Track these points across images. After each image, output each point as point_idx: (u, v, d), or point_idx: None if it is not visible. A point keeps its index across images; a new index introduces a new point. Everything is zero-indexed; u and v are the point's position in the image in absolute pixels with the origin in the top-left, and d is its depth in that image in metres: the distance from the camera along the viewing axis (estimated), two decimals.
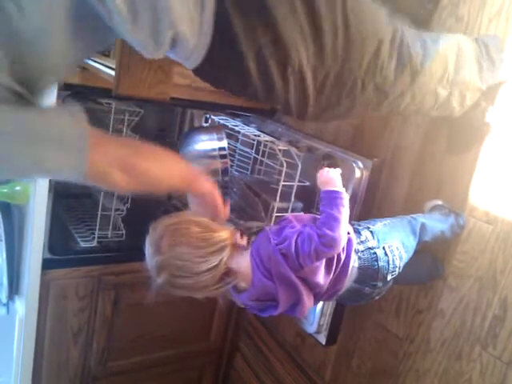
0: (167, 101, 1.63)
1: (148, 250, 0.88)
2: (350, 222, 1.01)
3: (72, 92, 1.43)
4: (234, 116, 1.77)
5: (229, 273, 0.89)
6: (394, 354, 1.50)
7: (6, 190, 1.49)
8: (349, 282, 1.00)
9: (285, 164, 1.36)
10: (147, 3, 0.67)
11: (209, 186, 0.96)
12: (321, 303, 1.45)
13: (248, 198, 1.53)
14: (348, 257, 0.97)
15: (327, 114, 0.98)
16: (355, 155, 1.39)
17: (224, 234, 0.89)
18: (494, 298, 1.24)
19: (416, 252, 1.13)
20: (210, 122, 1.74)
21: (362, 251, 1.01)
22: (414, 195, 1.45)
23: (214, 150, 1.54)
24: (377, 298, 1.08)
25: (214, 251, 0.86)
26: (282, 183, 1.36)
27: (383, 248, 1.03)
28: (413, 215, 1.20)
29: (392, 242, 1.05)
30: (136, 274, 1.76)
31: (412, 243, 1.11)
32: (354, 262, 0.99)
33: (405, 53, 0.97)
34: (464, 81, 1.12)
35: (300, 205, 1.47)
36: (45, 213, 1.46)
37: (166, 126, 2.10)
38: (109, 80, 1.24)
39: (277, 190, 1.37)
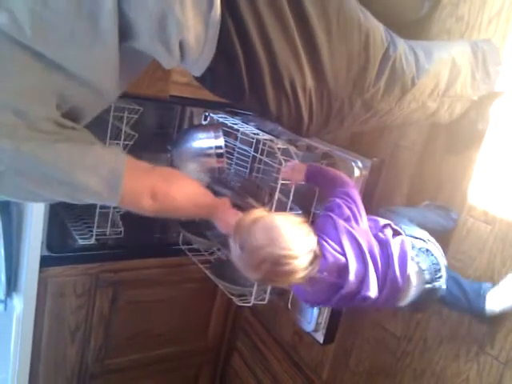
0: (166, 98, 1.63)
1: (244, 248, 0.92)
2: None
3: None
4: (233, 114, 1.76)
5: (316, 255, 0.95)
6: (391, 353, 1.50)
7: None
8: (417, 286, 1.05)
9: (283, 162, 1.36)
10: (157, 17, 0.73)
11: (232, 216, 1.04)
12: None
13: (248, 190, 1.53)
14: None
15: (324, 131, 1.01)
16: (354, 154, 1.39)
17: (303, 219, 0.98)
18: None
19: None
20: (209, 120, 1.74)
21: (417, 255, 1.07)
22: (412, 195, 1.45)
23: (211, 148, 1.54)
24: (443, 287, 1.10)
25: (306, 235, 0.94)
26: (280, 181, 1.35)
27: (428, 241, 1.11)
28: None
29: (425, 234, 1.13)
30: (134, 272, 1.76)
31: None
32: (413, 268, 1.05)
33: (398, 69, 0.97)
34: (455, 93, 1.12)
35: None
36: (43, 210, 1.46)
37: (165, 123, 2.09)
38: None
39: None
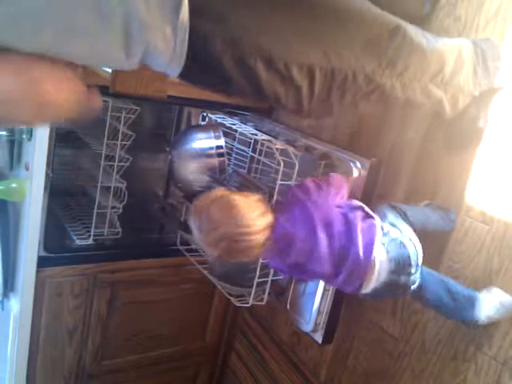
0: (164, 99, 1.63)
1: (201, 227, 0.97)
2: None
3: None
4: (231, 114, 1.76)
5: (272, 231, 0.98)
6: (389, 354, 1.50)
7: (1, 187, 1.48)
8: (381, 275, 1.04)
9: (282, 163, 1.35)
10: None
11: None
12: (317, 302, 1.45)
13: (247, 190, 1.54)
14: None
15: (326, 107, 0.98)
16: (353, 155, 1.39)
17: (260, 197, 1.01)
18: None
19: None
20: (207, 120, 1.74)
21: (388, 243, 1.06)
22: (411, 195, 1.45)
23: (212, 148, 1.54)
24: (412, 286, 1.09)
25: (262, 213, 0.97)
26: (279, 182, 1.35)
27: (406, 236, 1.09)
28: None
29: (409, 231, 1.11)
30: (132, 272, 1.75)
31: None
32: (381, 256, 1.03)
33: (405, 43, 0.97)
34: (458, 84, 1.12)
35: None
36: (40, 210, 1.46)
37: (162, 124, 2.09)
38: (106, 77, 1.23)
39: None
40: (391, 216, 1.15)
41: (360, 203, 1.11)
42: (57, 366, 1.74)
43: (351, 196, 1.34)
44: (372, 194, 1.40)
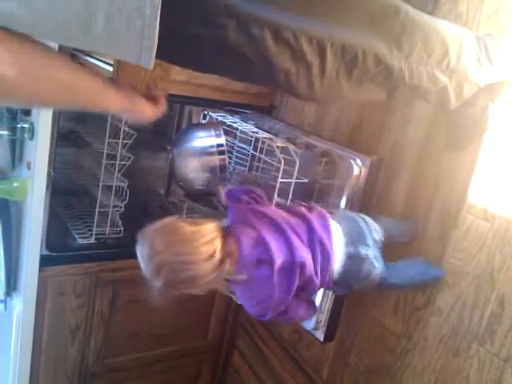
0: (165, 97, 1.63)
1: (143, 255, 0.92)
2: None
3: None
4: (232, 113, 1.77)
5: (224, 258, 0.93)
6: (391, 351, 1.50)
7: (3, 187, 1.48)
8: (340, 249, 1.06)
9: (282, 161, 1.35)
10: None
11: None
12: (319, 300, 1.45)
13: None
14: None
15: (336, 85, 0.96)
16: (354, 152, 1.39)
17: (212, 224, 0.95)
18: (492, 295, 1.25)
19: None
20: (208, 118, 1.74)
21: (342, 217, 1.11)
22: (412, 193, 1.45)
23: (212, 146, 1.54)
24: (373, 274, 1.10)
25: (208, 241, 0.91)
26: (279, 180, 1.35)
27: (361, 217, 1.13)
28: None
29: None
30: (134, 271, 1.73)
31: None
32: (337, 232, 1.06)
33: (408, 22, 0.97)
34: (464, 71, 1.11)
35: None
36: (42, 209, 1.46)
37: (164, 122, 2.09)
38: (107, 76, 1.24)
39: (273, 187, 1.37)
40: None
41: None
42: (59, 365, 1.74)
43: (354, 194, 1.36)
44: (373, 192, 1.40)
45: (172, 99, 1.62)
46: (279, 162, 1.36)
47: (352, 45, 0.90)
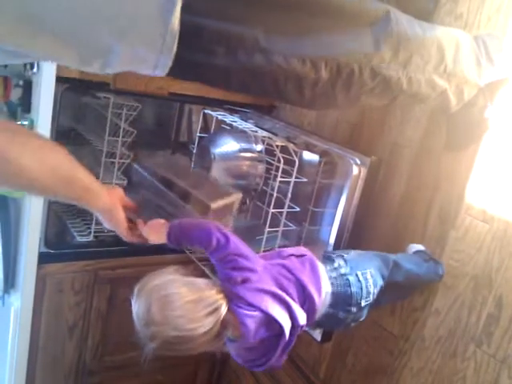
0: (165, 96, 1.63)
1: (138, 316, 0.87)
2: (325, 251, 1.10)
3: (70, 85, 1.43)
4: (232, 112, 1.77)
5: (223, 327, 0.87)
6: (388, 352, 1.50)
7: None
8: (324, 307, 1.03)
9: (282, 160, 1.36)
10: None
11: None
12: None
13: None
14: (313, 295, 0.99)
15: (331, 97, 0.97)
16: (353, 152, 1.39)
17: (214, 292, 0.88)
18: (489, 297, 1.25)
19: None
20: (207, 117, 1.73)
21: (335, 277, 1.05)
22: (411, 193, 1.45)
23: (255, 152, 1.52)
24: (353, 324, 1.10)
25: (209, 312, 0.84)
26: (279, 179, 1.35)
27: (356, 275, 1.07)
28: (388, 254, 1.23)
29: (365, 270, 1.09)
30: (132, 269, 1.76)
31: (384, 273, 1.14)
32: (327, 288, 1.02)
33: (401, 32, 0.96)
34: (462, 74, 1.11)
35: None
36: (41, 207, 1.46)
37: (163, 121, 2.09)
38: (107, 74, 1.23)
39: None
40: (353, 252, 1.15)
41: (291, 250, 1.07)
42: (57, 362, 1.74)
43: (353, 194, 1.35)
44: (372, 192, 1.40)
45: (172, 98, 1.63)
46: (278, 161, 1.36)
47: (347, 62, 0.91)
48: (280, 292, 0.94)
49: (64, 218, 1.76)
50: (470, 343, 1.28)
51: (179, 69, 0.76)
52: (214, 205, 1.23)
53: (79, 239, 1.67)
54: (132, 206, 1.03)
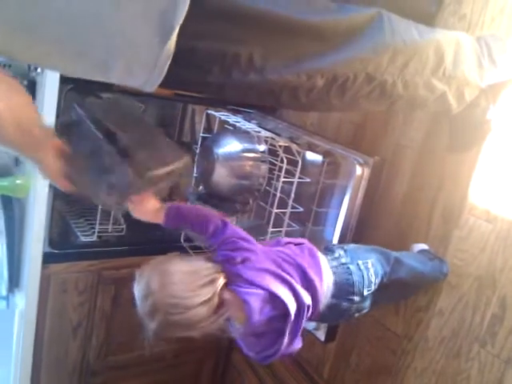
0: (168, 96, 1.63)
1: (138, 295, 0.90)
2: (326, 245, 1.10)
3: (74, 86, 1.43)
4: (235, 112, 1.76)
5: (223, 304, 0.88)
6: (392, 352, 1.50)
7: (6, 184, 1.49)
8: (327, 298, 1.03)
9: (285, 160, 1.36)
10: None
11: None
12: None
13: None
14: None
15: (326, 100, 0.97)
16: (356, 153, 1.39)
17: (211, 265, 0.90)
18: (493, 297, 1.24)
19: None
20: (210, 118, 1.73)
21: (336, 266, 1.05)
22: (414, 193, 1.45)
23: (258, 152, 1.51)
24: (356, 315, 1.10)
25: (205, 283, 0.86)
26: (282, 179, 1.36)
27: (357, 264, 1.07)
28: (389, 250, 1.22)
29: (366, 260, 1.10)
30: (136, 269, 1.76)
31: (384, 266, 1.14)
32: (330, 277, 1.02)
33: (396, 33, 0.96)
34: (463, 76, 1.11)
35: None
36: (45, 207, 1.46)
37: (167, 121, 2.10)
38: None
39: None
40: (353, 244, 1.15)
41: (287, 239, 1.08)
42: (61, 362, 1.74)
43: (356, 194, 1.35)
44: (375, 192, 1.40)
45: (175, 98, 1.63)
46: (282, 162, 1.36)
47: (343, 72, 0.91)
48: (282, 272, 0.94)
49: (68, 217, 1.77)
50: (474, 343, 1.28)
51: (173, 83, 0.79)
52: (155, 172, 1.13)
53: (83, 239, 1.67)
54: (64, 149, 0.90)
